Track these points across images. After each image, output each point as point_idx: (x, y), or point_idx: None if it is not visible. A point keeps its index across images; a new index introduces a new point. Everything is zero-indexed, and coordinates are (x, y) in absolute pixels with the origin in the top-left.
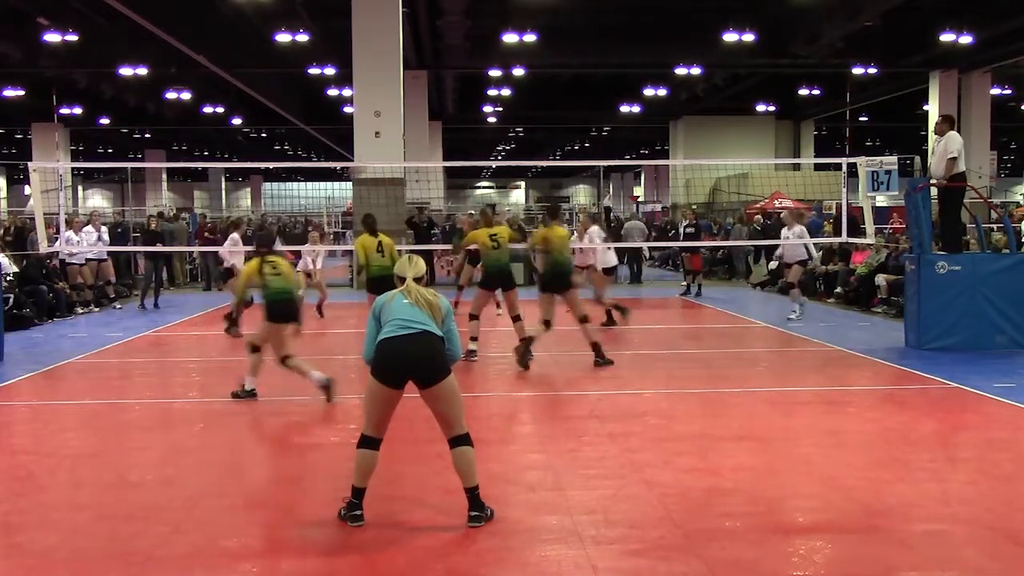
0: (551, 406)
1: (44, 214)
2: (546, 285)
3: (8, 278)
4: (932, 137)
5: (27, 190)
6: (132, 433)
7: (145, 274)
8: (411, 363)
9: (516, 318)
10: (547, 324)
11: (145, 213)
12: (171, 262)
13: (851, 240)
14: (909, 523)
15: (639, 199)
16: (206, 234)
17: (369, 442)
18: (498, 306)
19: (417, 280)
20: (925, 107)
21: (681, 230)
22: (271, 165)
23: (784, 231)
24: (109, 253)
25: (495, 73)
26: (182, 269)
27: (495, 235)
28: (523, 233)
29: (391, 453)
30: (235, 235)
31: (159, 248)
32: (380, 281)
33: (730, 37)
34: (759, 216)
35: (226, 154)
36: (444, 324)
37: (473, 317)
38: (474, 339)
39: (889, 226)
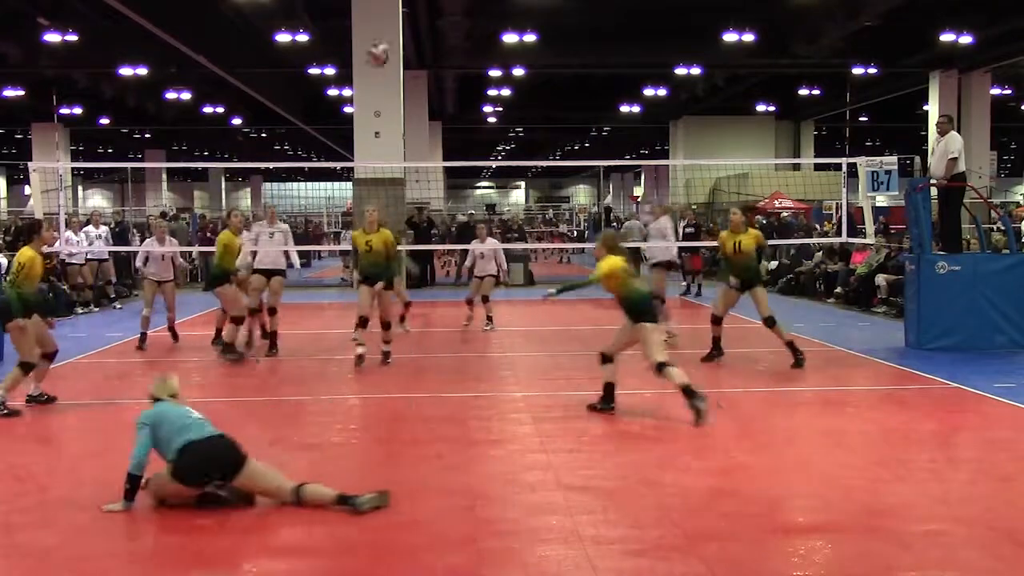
0: (551, 406)
1: (44, 214)
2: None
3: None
4: (932, 137)
5: (27, 190)
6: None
7: None
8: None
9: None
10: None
11: (145, 213)
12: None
13: (851, 240)
14: (909, 523)
15: (639, 199)
16: (208, 234)
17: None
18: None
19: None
20: (925, 107)
21: (681, 230)
22: (271, 165)
23: (651, 224)
24: (110, 253)
25: (495, 73)
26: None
27: (368, 241)
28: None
29: (391, 453)
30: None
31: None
32: None
33: (730, 37)
34: (758, 216)
35: (226, 154)
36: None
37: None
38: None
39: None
